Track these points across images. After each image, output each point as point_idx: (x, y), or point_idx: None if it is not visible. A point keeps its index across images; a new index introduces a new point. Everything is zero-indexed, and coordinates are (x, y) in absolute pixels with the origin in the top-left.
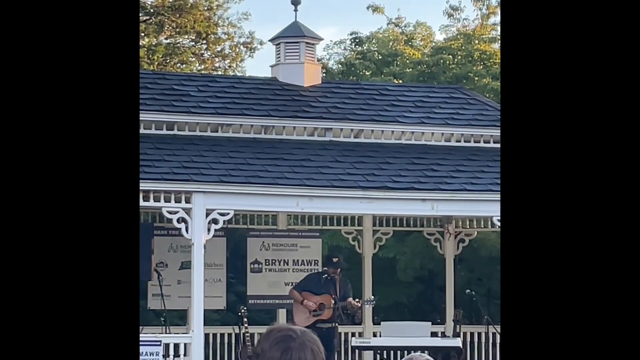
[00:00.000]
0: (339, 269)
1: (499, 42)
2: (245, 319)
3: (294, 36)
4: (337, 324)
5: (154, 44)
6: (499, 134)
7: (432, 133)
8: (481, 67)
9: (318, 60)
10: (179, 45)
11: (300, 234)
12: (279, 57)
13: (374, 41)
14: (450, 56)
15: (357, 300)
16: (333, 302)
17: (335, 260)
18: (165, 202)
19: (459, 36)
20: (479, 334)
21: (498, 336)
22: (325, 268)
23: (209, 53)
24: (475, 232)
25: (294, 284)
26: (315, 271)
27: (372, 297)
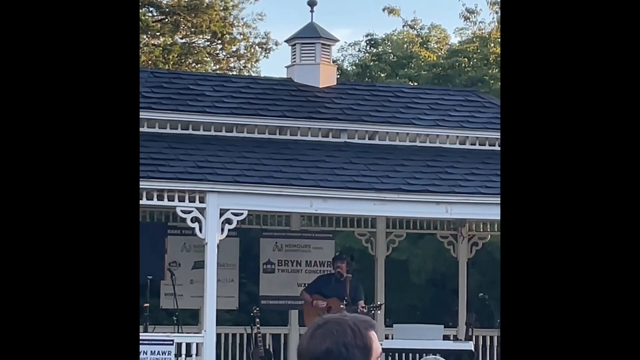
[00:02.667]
0: (347, 270)
1: None
2: (258, 320)
3: (310, 37)
4: None
5: (169, 43)
6: None
7: (447, 136)
8: (496, 70)
9: (333, 61)
10: (194, 45)
11: (313, 235)
12: (295, 57)
13: (389, 43)
14: (466, 59)
15: (363, 306)
16: (344, 305)
17: (343, 261)
18: (179, 201)
19: (474, 39)
20: (492, 338)
21: None
22: (334, 269)
23: (224, 53)
24: (489, 236)
25: (305, 285)
26: (327, 272)
27: (379, 303)
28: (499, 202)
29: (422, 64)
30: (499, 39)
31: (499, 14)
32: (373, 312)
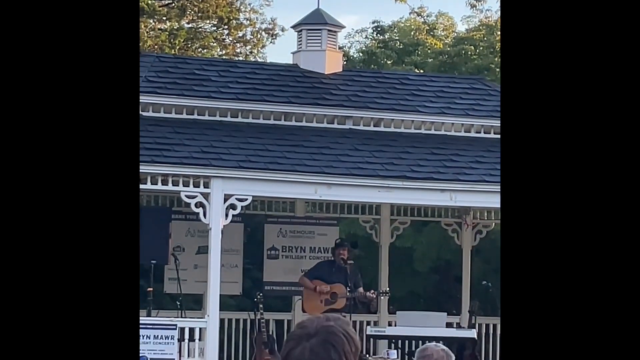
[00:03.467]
0: (348, 257)
1: None
2: (261, 305)
3: (316, 23)
4: (348, 315)
5: (175, 28)
6: None
7: (452, 123)
8: None
9: (339, 48)
10: (200, 30)
11: (317, 221)
12: (301, 44)
13: (395, 30)
14: (472, 47)
15: (372, 291)
16: (348, 291)
17: (337, 241)
18: (183, 186)
19: (481, 27)
20: (495, 326)
21: None
22: (334, 256)
23: (230, 38)
24: (493, 224)
25: (305, 271)
26: (327, 259)
27: (387, 289)
28: None
29: (429, 51)
30: None
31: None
32: (382, 297)
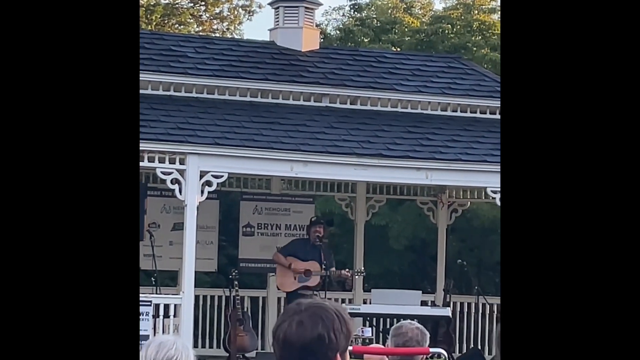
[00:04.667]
0: (319, 234)
1: (499, 13)
2: (236, 282)
3: (293, 0)
4: (322, 293)
5: (152, 4)
6: (496, 105)
7: (429, 102)
8: (480, 37)
9: (317, 25)
10: (177, 6)
11: (293, 198)
12: (278, 21)
13: (373, 8)
14: (449, 25)
15: (347, 269)
16: (323, 270)
17: (313, 219)
18: (159, 162)
19: (458, 6)
20: (469, 304)
21: (488, 307)
22: (309, 233)
23: (207, 15)
24: (469, 203)
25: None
26: (303, 237)
27: (362, 269)
28: (479, 169)
29: (406, 29)
30: (482, 6)
31: None
32: (357, 276)
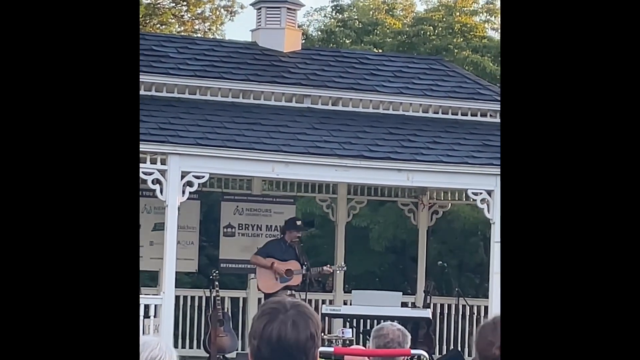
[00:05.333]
0: (299, 237)
1: (480, 15)
2: (217, 283)
3: (275, 1)
4: (302, 292)
5: None
6: (477, 107)
7: (411, 104)
8: (461, 39)
9: (299, 26)
10: (159, 6)
11: (274, 199)
12: (260, 21)
13: (355, 9)
14: (431, 27)
15: (328, 265)
16: (304, 268)
17: (298, 223)
18: (140, 162)
19: (440, 7)
20: (449, 306)
21: (468, 308)
22: (283, 234)
23: (189, 15)
24: (450, 204)
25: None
26: (277, 238)
27: (343, 264)
28: (460, 171)
29: (388, 31)
30: (464, 8)
31: None
32: (338, 271)
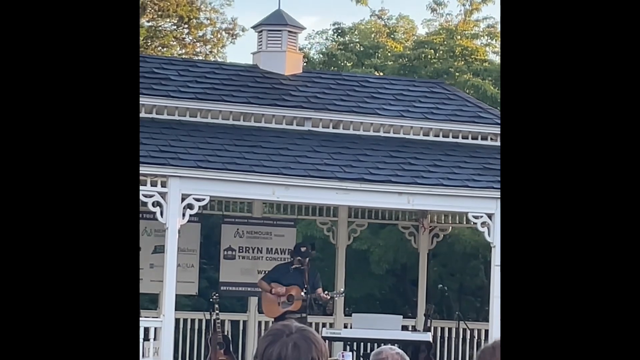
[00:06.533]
0: (307, 259)
1: (481, 38)
2: (217, 305)
3: (277, 24)
4: (306, 315)
5: None
6: (478, 130)
7: (411, 127)
8: (462, 62)
9: (300, 49)
10: (160, 28)
11: (275, 222)
12: (261, 44)
13: (356, 32)
14: (432, 51)
15: (326, 292)
16: (304, 293)
17: (303, 249)
18: (141, 185)
19: (441, 31)
20: (450, 329)
21: (468, 332)
22: (293, 258)
23: (190, 38)
24: (450, 227)
25: (265, 273)
26: (285, 261)
27: (341, 290)
28: (461, 194)
29: (389, 54)
30: (465, 32)
31: (466, 7)
32: (336, 297)
